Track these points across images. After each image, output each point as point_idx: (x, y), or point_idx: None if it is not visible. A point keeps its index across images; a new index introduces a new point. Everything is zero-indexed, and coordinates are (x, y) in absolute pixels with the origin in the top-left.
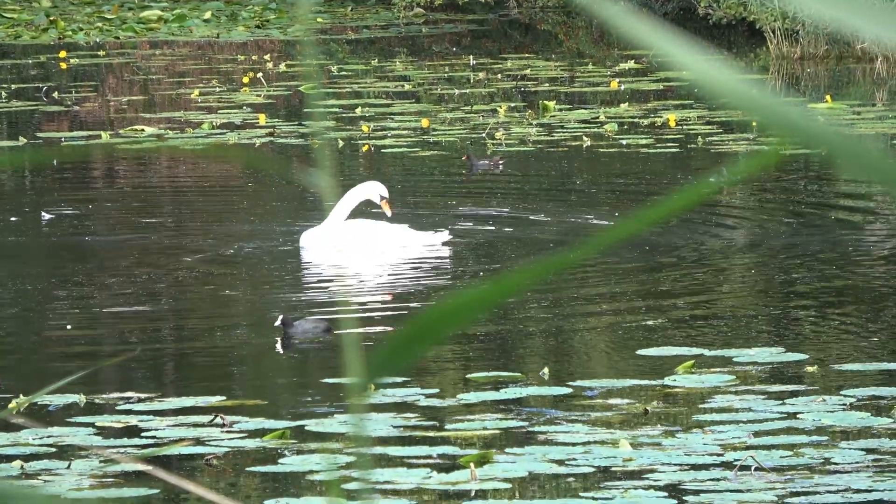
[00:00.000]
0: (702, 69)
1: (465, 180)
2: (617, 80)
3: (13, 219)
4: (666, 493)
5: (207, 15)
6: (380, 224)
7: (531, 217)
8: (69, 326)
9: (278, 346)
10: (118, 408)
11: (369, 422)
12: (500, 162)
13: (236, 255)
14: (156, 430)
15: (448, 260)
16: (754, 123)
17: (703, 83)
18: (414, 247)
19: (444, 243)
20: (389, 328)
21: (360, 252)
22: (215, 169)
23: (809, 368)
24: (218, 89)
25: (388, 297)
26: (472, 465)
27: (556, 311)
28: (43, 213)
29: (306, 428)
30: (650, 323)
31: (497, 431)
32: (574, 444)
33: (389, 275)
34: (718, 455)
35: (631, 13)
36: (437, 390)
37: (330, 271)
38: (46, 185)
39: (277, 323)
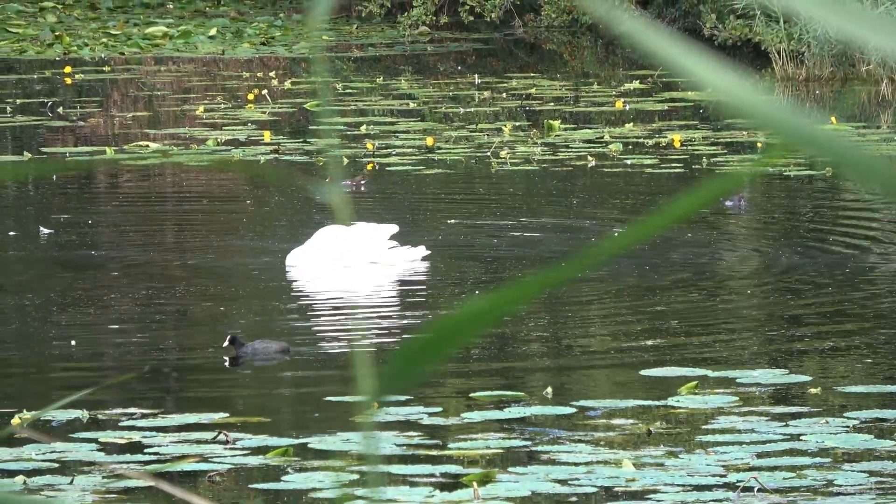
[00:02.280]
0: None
1: (462, 198)
2: (622, 100)
3: (11, 233)
4: None
5: (213, 31)
6: (360, 239)
7: (528, 234)
8: (73, 342)
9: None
10: (121, 424)
11: (380, 439)
12: (363, 182)
13: (236, 270)
14: (159, 446)
15: (435, 276)
16: (759, 144)
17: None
18: (396, 262)
19: (424, 258)
20: (388, 343)
21: (347, 268)
22: (218, 185)
23: (813, 390)
24: (223, 106)
25: (381, 314)
26: (474, 483)
27: (560, 330)
28: (41, 229)
29: (309, 445)
30: (653, 343)
31: (500, 450)
32: (577, 464)
33: (376, 291)
34: (721, 476)
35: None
36: (440, 409)
37: (319, 290)
38: (46, 201)
39: (226, 343)
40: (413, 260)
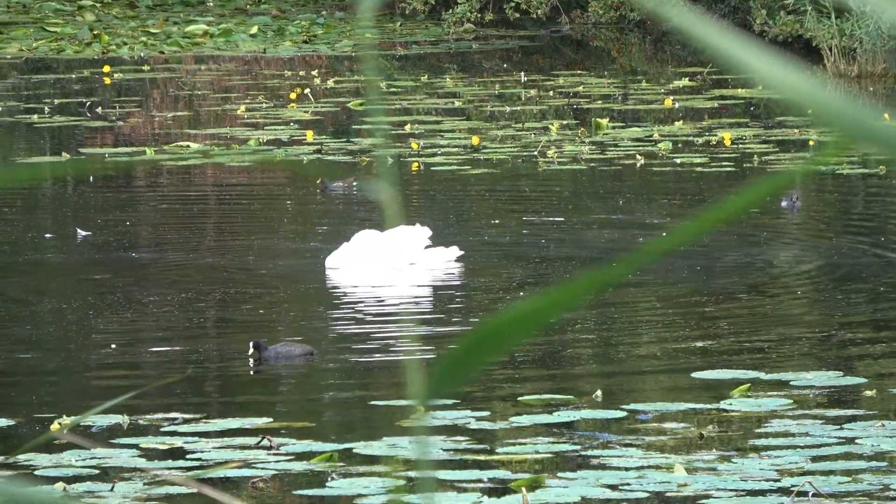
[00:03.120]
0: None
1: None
2: (671, 97)
3: (48, 235)
4: None
5: (254, 30)
6: (398, 241)
7: (575, 234)
8: (113, 346)
9: (328, 365)
10: (163, 429)
11: (433, 444)
12: (354, 184)
13: (276, 272)
14: (201, 451)
15: (479, 277)
16: (812, 143)
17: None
18: (434, 264)
19: (458, 259)
20: (433, 347)
21: (386, 270)
22: (259, 186)
23: (868, 393)
24: (264, 105)
25: (425, 317)
26: (523, 489)
27: (609, 332)
28: (78, 231)
29: (354, 450)
30: (705, 345)
31: (549, 455)
32: (628, 469)
33: (417, 294)
34: (775, 480)
35: (707, 25)
36: (487, 413)
37: (359, 293)
38: (83, 202)
39: (251, 350)
40: (448, 260)
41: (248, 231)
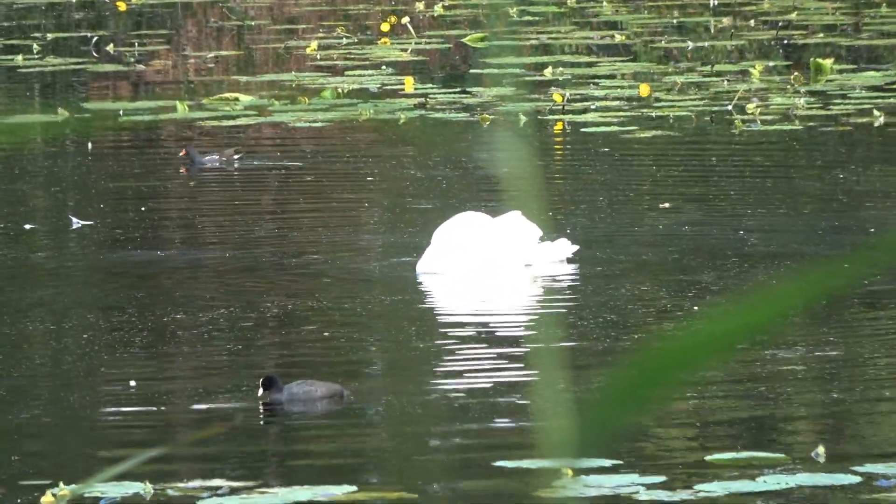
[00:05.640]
0: None
1: (189, 178)
2: None
3: (28, 226)
4: None
5: None
6: (502, 237)
7: (780, 225)
8: (132, 383)
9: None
10: (200, 503)
11: None
12: (236, 157)
13: (350, 278)
14: None
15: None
16: None
17: None
18: (538, 263)
19: (570, 258)
20: (566, 383)
21: (484, 275)
22: (333, 154)
23: None
24: (345, 41)
25: (542, 338)
26: None
27: (830, 367)
28: (73, 219)
29: None
30: None
31: None
32: None
33: (533, 307)
34: None
35: None
36: (663, 478)
37: (462, 308)
38: (82, 179)
39: (260, 391)
40: (559, 259)
41: (311, 220)
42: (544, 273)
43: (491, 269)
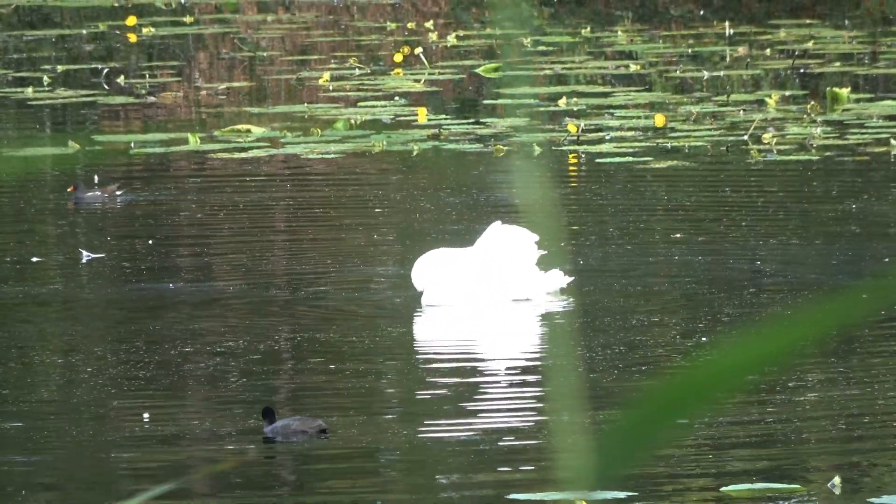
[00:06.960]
0: None
1: (74, 214)
2: None
3: (35, 259)
4: None
5: None
6: (490, 267)
7: (794, 255)
8: (146, 416)
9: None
10: None
11: None
12: (119, 193)
13: (357, 311)
14: None
15: (646, 313)
16: None
17: None
18: (536, 295)
19: (564, 288)
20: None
21: (493, 305)
22: (344, 186)
23: None
24: (357, 72)
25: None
26: None
27: (846, 398)
28: (83, 253)
29: None
30: None
31: None
32: None
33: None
34: None
35: None
36: None
37: (473, 340)
38: (91, 212)
39: (265, 426)
40: (555, 290)
41: (325, 251)
42: (550, 305)
43: (496, 299)
